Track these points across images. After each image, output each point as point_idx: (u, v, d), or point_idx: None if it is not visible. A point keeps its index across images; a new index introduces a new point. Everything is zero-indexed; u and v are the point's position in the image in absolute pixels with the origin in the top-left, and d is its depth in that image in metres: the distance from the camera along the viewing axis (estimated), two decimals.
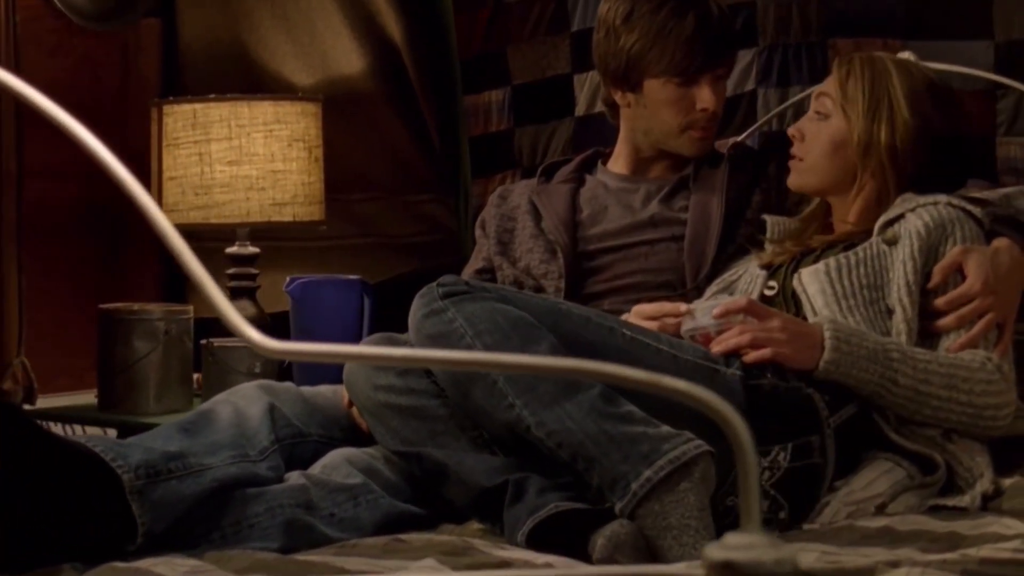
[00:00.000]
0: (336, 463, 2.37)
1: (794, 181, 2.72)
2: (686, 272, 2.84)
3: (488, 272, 2.99)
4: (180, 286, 3.93)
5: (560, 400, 2.22)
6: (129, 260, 3.92)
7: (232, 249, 3.53)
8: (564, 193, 2.97)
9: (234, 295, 3.53)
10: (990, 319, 2.47)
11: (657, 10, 2.83)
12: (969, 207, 2.59)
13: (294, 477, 2.31)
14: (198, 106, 3.42)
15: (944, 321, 2.48)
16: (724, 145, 3.04)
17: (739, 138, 3.21)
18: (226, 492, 2.21)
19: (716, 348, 2.37)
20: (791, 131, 2.71)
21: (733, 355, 2.36)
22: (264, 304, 3.58)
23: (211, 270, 3.50)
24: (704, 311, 2.42)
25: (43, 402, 3.75)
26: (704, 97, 2.85)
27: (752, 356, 2.34)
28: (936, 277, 2.51)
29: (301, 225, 3.50)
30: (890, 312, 2.48)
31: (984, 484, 2.38)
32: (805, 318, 2.54)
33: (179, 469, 2.17)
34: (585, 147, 3.18)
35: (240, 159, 3.41)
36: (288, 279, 3.40)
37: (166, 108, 3.45)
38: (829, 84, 2.69)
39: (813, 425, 2.35)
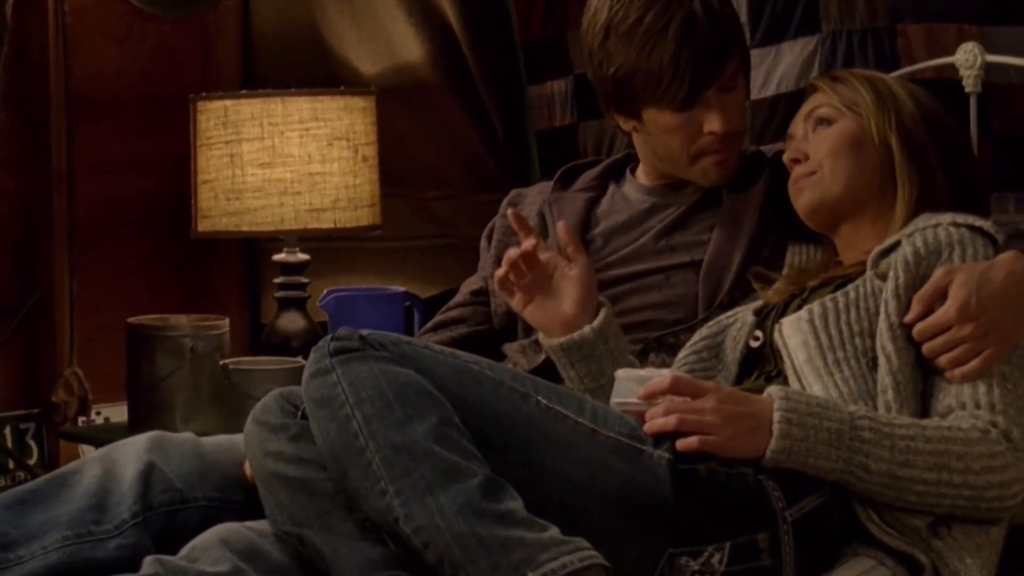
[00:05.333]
0: (208, 544, 2.05)
1: (811, 196, 2.28)
2: (699, 299, 2.42)
3: (484, 294, 2.63)
4: (258, 292, 3.70)
5: (435, 490, 1.88)
6: (213, 261, 3.71)
7: (279, 256, 3.26)
8: (579, 205, 2.58)
9: (282, 306, 3.25)
10: (976, 351, 2.01)
11: (636, 24, 2.38)
12: (979, 223, 2.12)
13: (147, 564, 2.00)
14: (229, 103, 3.15)
15: (936, 362, 2.04)
16: (774, 149, 2.59)
17: None
18: None
19: (645, 429, 1.98)
20: (789, 155, 2.30)
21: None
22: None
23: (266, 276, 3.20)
24: (636, 381, 2.02)
25: (108, 412, 3.58)
26: (710, 119, 2.41)
27: (680, 445, 1.95)
28: (915, 308, 2.05)
29: (346, 232, 3.20)
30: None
31: None
32: (786, 377, 2.11)
33: None
34: None
35: (273, 161, 3.13)
36: (325, 292, 3.12)
37: (199, 105, 3.19)
38: (818, 99, 2.29)
39: (762, 519, 1.94)
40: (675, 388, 1.99)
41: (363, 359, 1.99)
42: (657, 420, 1.97)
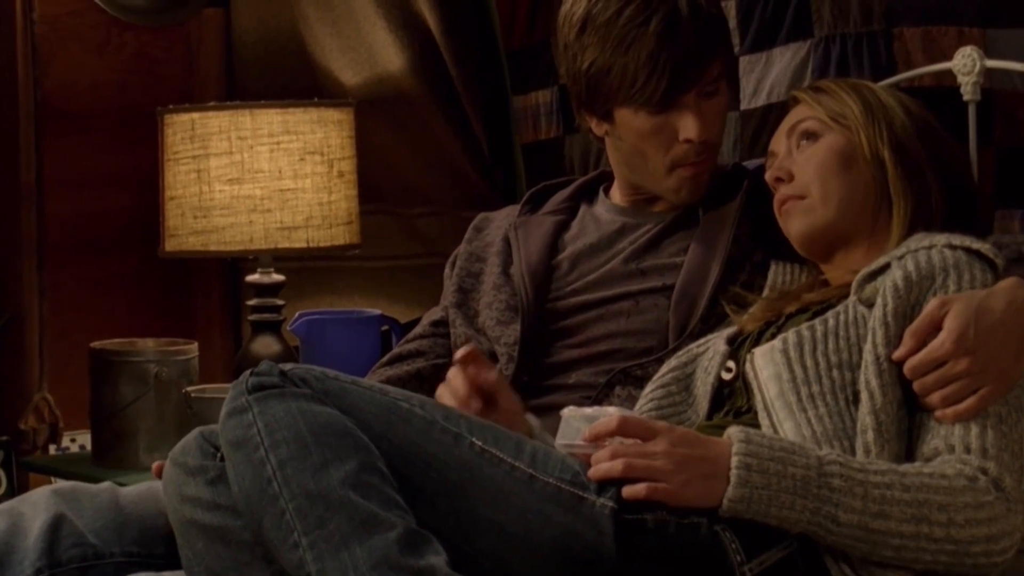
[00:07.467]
0: None
1: (802, 225, 2.09)
2: (670, 327, 2.22)
3: (444, 325, 2.45)
4: (239, 314, 3.53)
5: (351, 542, 1.71)
6: (193, 281, 3.55)
7: (253, 277, 3.08)
8: (546, 229, 2.39)
9: (256, 329, 3.08)
10: (972, 388, 1.82)
11: (615, 17, 2.19)
12: (976, 246, 1.93)
13: None
14: (196, 116, 2.98)
15: (927, 400, 1.85)
16: (756, 165, 2.39)
17: None
18: None
19: (589, 474, 1.79)
20: (773, 174, 2.11)
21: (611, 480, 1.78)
22: None
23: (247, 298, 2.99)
24: (583, 421, 1.84)
25: (84, 439, 3.43)
26: (686, 125, 2.22)
27: (626, 492, 1.76)
28: (907, 342, 1.85)
29: (321, 251, 3.03)
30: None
31: None
32: (755, 414, 1.92)
33: None
34: None
35: (241, 177, 2.96)
36: (296, 315, 2.94)
37: (167, 118, 3.02)
38: (802, 112, 2.12)
39: (718, 575, 1.75)
40: (623, 429, 1.80)
41: (282, 397, 1.82)
42: (602, 465, 1.78)
